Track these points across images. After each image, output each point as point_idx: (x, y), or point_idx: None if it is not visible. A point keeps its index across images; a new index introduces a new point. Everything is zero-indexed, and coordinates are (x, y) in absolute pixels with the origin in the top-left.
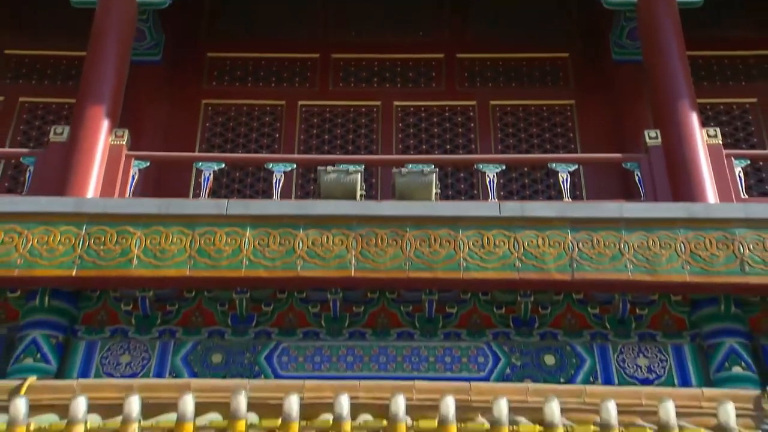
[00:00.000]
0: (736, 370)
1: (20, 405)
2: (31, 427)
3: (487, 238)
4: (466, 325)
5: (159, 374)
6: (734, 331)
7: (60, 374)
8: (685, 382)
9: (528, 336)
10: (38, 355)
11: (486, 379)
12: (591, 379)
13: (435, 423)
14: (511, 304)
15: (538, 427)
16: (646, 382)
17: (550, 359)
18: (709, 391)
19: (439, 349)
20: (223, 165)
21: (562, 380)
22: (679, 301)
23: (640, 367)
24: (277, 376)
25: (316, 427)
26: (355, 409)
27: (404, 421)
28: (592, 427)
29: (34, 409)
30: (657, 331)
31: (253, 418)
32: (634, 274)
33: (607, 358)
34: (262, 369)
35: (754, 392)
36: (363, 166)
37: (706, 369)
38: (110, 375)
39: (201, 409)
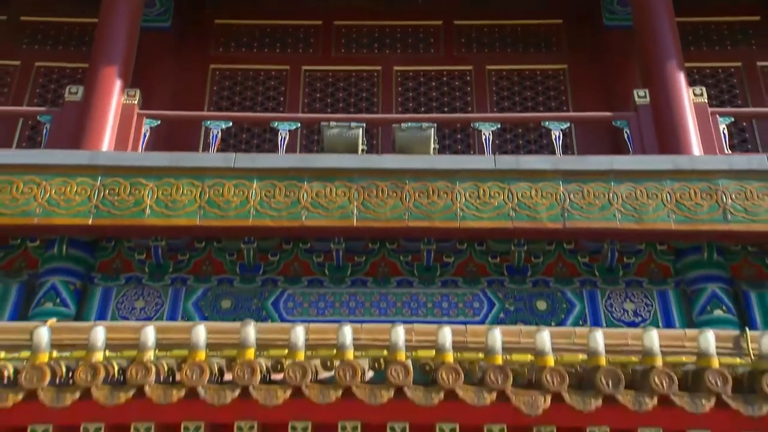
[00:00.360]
0: (718, 313)
1: (43, 333)
2: (53, 355)
3: (483, 190)
4: (463, 273)
5: (172, 318)
6: (716, 277)
7: (78, 318)
8: (669, 325)
9: (521, 283)
10: (57, 300)
11: (481, 323)
12: (580, 322)
13: (433, 353)
14: (505, 254)
15: (529, 356)
16: (632, 324)
17: (542, 304)
18: (691, 332)
19: (437, 296)
20: (231, 124)
21: (553, 324)
22: (665, 250)
23: (627, 311)
24: (283, 321)
25: (321, 356)
26: (357, 350)
27: (403, 349)
28: (581, 356)
29: (55, 348)
30: (643, 278)
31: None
32: (622, 223)
33: (596, 303)
34: (269, 314)
35: (734, 332)
36: (364, 124)
37: (689, 313)
38: (125, 318)
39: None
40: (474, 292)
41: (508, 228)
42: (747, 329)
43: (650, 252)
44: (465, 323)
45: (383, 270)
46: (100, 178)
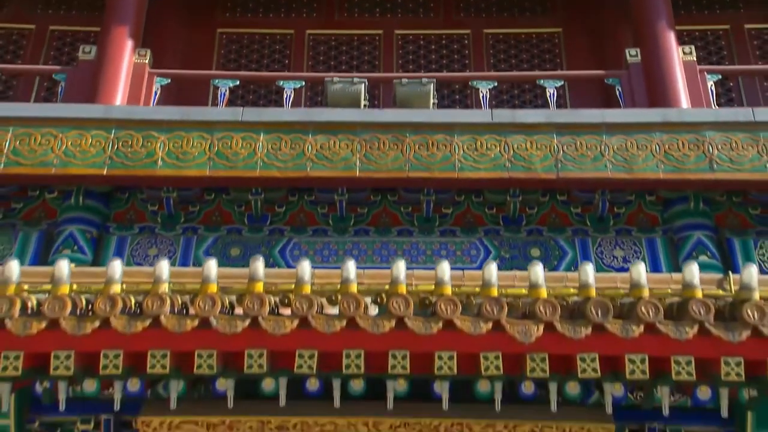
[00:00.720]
0: (703, 258)
1: (64, 267)
2: (74, 287)
3: (480, 142)
4: (461, 223)
5: (183, 265)
6: (702, 225)
7: (95, 264)
8: (656, 270)
9: (516, 232)
10: (75, 248)
11: (478, 269)
12: (572, 268)
13: (432, 286)
14: (501, 205)
15: (524, 290)
16: (622, 270)
17: (535, 252)
18: (677, 275)
19: (436, 244)
20: (238, 83)
21: (546, 270)
22: (653, 200)
23: (617, 258)
24: (289, 267)
25: (326, 290)
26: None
27: (404, 282)
28: (572, 290)
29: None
30: (632, 227)
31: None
32: (613, 173)
33: (587, 250)
34: (276, 261)
35: (717, 275)
36: (366, 80)
37: (675, 258)
38: (140, 265)
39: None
40: (471, 240)
41: (504, 178)
42: (730, 273)
43: (639, 202)
44: (463, 269)
45: (384, 220)
46: (113, 131)
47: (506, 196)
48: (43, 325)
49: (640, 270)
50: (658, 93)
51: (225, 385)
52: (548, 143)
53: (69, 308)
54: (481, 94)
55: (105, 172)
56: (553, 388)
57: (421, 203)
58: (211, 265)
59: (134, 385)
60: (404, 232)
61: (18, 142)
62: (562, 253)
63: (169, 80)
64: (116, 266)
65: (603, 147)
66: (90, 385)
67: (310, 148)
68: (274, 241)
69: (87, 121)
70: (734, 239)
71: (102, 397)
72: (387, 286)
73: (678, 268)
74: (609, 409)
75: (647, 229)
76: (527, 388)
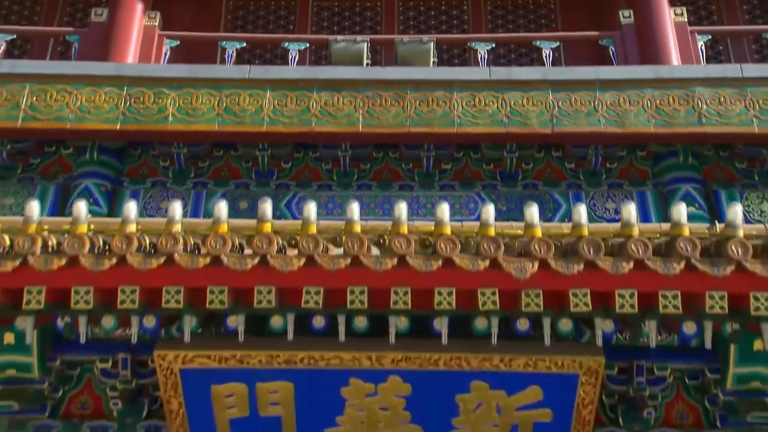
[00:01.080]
0: (690, 209)
1: (82, 207)
2: (91, 227)
3: (479, 99)
4: (459, 179)
5: (194, 217)
6: (690, 178)
7: (110, 216)
8: (646, 221)
9: (513, 187)
10: (90, 200)
11: (476, 221)
12: (566, 220)
13: (432, 226)
14: (498, 160)
15: (519, 230)
16: (613, 221)
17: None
18: (666, 225)
19: (435, 198)
20: (245, 44)
21: (541, 221)
22: (644, 155)
23: (609, 210)
24: (295, 220)
25: (332, 230)
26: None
27: (405, 222)
28: (564, 230)
29: None
30: (624, 181)
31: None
32: (606, 127)
33: (581, 202)
34: (283, 214)
35: (704, 225)
36: (368, 39)
37: (665, 210)
38: (152, 217)
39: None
40: (470, 194)
41: (501, 133)
42: (716, 221)
43: (631, 158)
44: (461, 221)
45: (386, 176)
46: (126, 88)
47: (503, 151)
48: (63, 261)
49: (631, 209)
50: (650, 53)
51: (236, 322)
52: (544, 99)
53: (87, 246)
54: (479, 56)
55: (118, 127)
56: (546, 323)
57: (421, 159)
58: (222, 207)
59: (150, 322)
60: (405, 187)
61: (35, 98)
62: (556, 206)
63: (179, 42)
64: (131, 207)
65: (597, 103)
66: (108, 322)
67: (314, 104)
68: (281, 195)
69: (100, 79)
70: (721, 191)
71: (119, 338)
72: (389, 228)
73: (667, 218)
74: (599, 342)
75: (638, 183)
76: (522, 325)
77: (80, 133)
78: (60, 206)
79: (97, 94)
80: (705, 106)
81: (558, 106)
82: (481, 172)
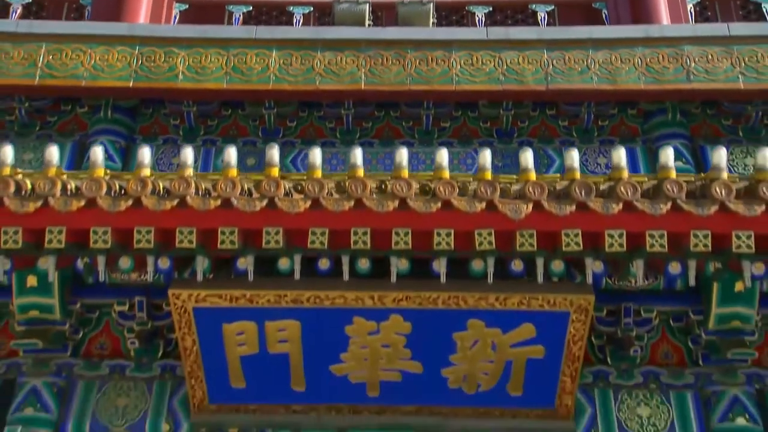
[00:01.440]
0: (678, 164)
1: (98, 152)
2: (109, 173)
3: (476, 58)
4: (458, 136)
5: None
6: (678, 134)
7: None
8: (635, 173)
9: (508, 143)
10: (105, 156)
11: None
12: (560, 173)
13: (431, 173)
14: (494, 119)
15: (514, 176)
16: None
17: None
18: (652, 176)
19: (435, 154)
20: (251, 8)
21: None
22: (634, 113)
23: (600, 165)
24: None
25: (336, 177)
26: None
27: (406, 167)
28: (558, 176)
29: None
30: (615, 138)
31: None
32: (598, 84)
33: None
34: (289, 169)
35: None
36: (370, 2)
37: (653, 163)
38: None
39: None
40: (467, 151)
41: (498, 90)
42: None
43: (622, 116)
44: None
45: (388, 134)
46: (137, 47)
47: (499, 109)
48: (82, 203)
49: (621, 154)
50: (641, 15)
51: (245, 264)
52: (539, 58)
53: (105, 189)
54: (476, 18)
55: (131, 85)
56: (540, 262)
57: (421, 117)
58: (232, 152)
59: (164, 263)
60: (406, 144)
61: (51, 57)
62: (550, 161)
63: (188, 6)
64: (146, 152)
65: (589, 61)
66: (125, 263)
67: (318, 63)
68: (287, 152)
69: (113, 38)
70: (707, 147)
71: (135, 283)
72: (391, 175)
73: (654, 171)
74: (590, 280)
75: (628, 140)
76: (516, 266)
77: (95, 90)
78: (77, 162)
79: (111, 53)
80: (693, 64)
81: (552, 65)
82: (479, 129)
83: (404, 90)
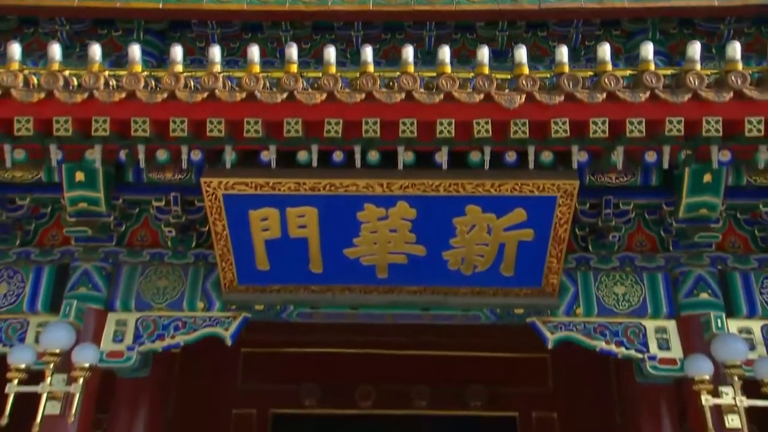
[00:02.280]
0: None
1: (136, 50)
2: (144, 70)
3: None
4: (457, 57)
5: None
6: (658, 52)
7: None
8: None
9: (503, 63)
10: None
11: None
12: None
13: (435, 72)
14: (491, 40)
15: (509, 74)
16: None
17: None
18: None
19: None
20: None
21: None
22: (619, 33)
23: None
24: None
25: (349, 75)
26: None
27: (412, 64)
28: (549, 73)
29: None
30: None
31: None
32: (586, 3)
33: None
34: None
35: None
36: None
37: None
38: None
39: None
40: (465, 68)
41: (495, 10)
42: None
43: (606, 36)
44: None
45: (393, 55)
46: None
47: (495, 31)
48: (123, 95)
49: (606, 49)
50: None
51: (269, 155)
52: None
53: (143, 83)
54: None
55: (161, 6)
56: (531, 150)
57: (424, 39)
58: (254, 51)
59: (196, 155)
60: None
61: None
62: None
63: None
64: (177, 51)
65: None
66: (162, 154)
67: None
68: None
69: None
70: (683, 63)
71: (170, 181)
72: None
73: None
74: (575, 166)
75: (612, 57)
76: (510, 156)
77: (127, 11)
78: None
79: None
80: None
81: None
82: (477, 50)
83: (408, 10)
